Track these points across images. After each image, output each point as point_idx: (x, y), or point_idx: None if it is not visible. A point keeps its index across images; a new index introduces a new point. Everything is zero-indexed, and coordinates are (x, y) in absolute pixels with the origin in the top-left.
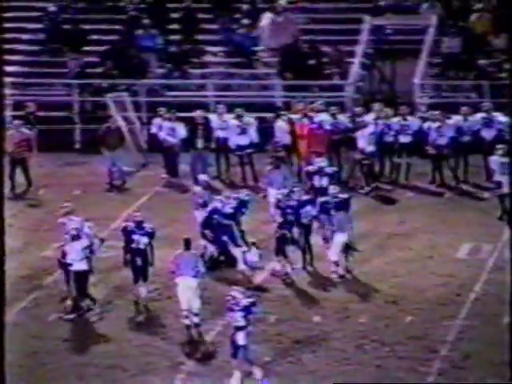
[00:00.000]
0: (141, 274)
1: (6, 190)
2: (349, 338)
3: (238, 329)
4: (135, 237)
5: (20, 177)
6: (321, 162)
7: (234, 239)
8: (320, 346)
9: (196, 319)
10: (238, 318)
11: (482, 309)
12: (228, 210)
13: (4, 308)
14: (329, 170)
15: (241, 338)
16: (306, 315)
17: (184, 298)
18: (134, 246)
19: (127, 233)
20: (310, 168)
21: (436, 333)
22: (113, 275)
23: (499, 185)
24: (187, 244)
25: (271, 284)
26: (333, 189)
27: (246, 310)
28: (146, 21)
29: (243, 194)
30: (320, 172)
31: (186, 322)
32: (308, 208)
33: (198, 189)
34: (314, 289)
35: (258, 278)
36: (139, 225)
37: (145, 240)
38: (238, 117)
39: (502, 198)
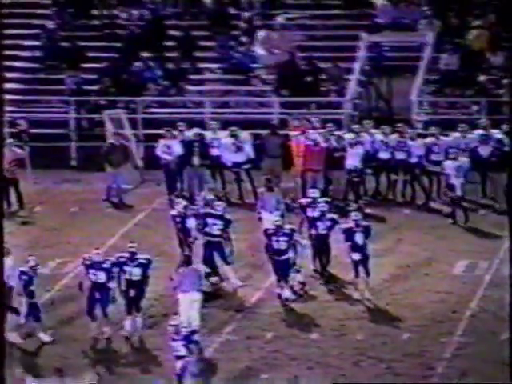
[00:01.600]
0: (134, 305)
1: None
2: (346, 355)
3: (178, 358)
4: (127, 268)
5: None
6: (313, 194)
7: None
8: (317, 363)
9: (196, 337)
10: (179, 348)
11: (478, 325)
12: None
13: (4, 309)
14: (321, 201)
15: (179, 367)
16: (303, 332)
17: (185, 315)
18: (127, 277)
19: (120, 264)
20: (303, 201)
21: (433, 350)
22: None
23: (453, 188)
24: (188, 260)
25: (267, 301)
26: (355, 215)
27: (187, 339)
28: (144, 54)
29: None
30: (313, 204)
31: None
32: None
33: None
34: (310, 306)
35: (255, 295)
36: (132, 256)
37: (137, 272)
38: (233, 135)
39: (456, 201)
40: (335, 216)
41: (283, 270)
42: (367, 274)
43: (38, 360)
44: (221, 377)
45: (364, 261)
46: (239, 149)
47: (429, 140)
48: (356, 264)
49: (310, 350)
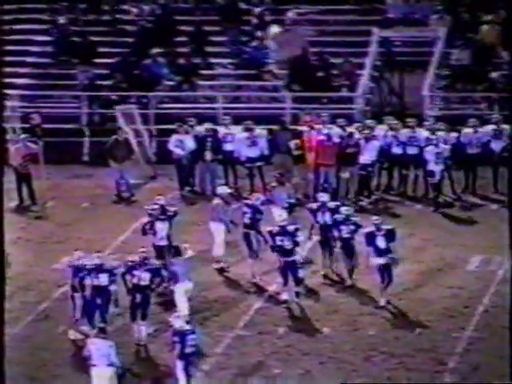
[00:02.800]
0: (139, 312)
1: (14, 204)
2: (358, 350)
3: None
4: (137, 272)
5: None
6: (322, 198)
7: None
8: (329, 358)
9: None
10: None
11: (490, 321)
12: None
13: (4, 308)
14: (331, 205)
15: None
16: (315, 327)
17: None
18: (135, 281)
19: (129, 268)
20: (314, 205)
21: (445, 345)
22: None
23: (432, 174)
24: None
25: (279, 296)
26: (376, 219)
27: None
28: (154, 50)
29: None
30: (323, 208)
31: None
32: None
33: (218, 201)
34: (322, 301)
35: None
36: (144, 260)
37: (146, 277)
38: (248, 129)
39: (435, 187)
40: (358, 220)
41: (292, 270)
42: (389, 279)
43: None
44: (233, 372)
45: (387, 266)
46: (254, 144)
47: (440, 134)
48: (379, 269)
49: (322, 345)
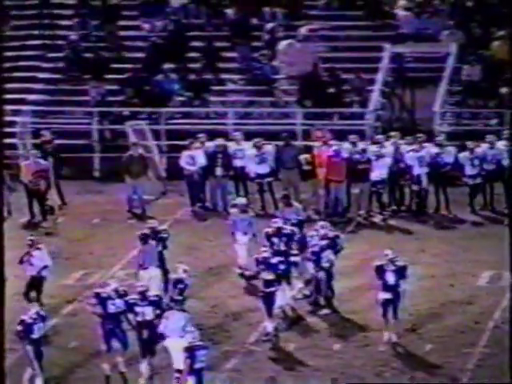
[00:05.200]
0: (148, 347)
1: (25, 219)
2: (369, 366)
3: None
4: (138, 309)
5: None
6: (276, 224)
7: None
8: (340, 373)
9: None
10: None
11: (501, 336)
12: None
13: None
14: (288, 230)
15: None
16: (326, 343)
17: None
18: (139, 319)
19: (130, 306)
20: (269, 230)
21: (456, 361)
22: None
23: (419, 178)
24: None
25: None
26: (390, 253)
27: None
28: (165, 66)
29: None
30: (278, 233)
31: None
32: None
33: (235, 211)
34: (333, 317)
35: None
36: (143, 294)
37: (149, 311)
38: (257, 147)
39: (421, 193)
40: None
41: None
42: (395, 316)
43: None
44: None
45: (394, 301)
46: (263, 160)
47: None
48: (384, 304)
49: (333, 361)
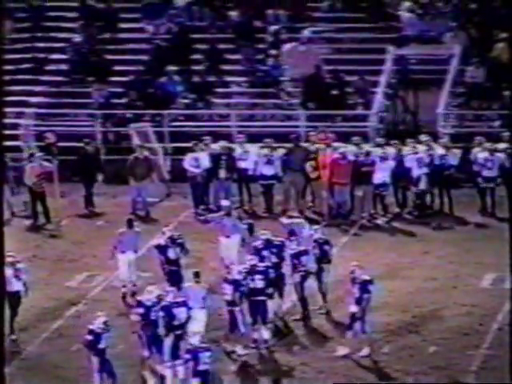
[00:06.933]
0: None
1: (29, 222)
2: (372, 368)
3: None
4: (175, 311)
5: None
6: (265, 235)
7: None
8: (343, 375)
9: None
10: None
11: (505, 338)
12: None
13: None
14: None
15: None
16: (330, 345)
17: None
18: (176, 323)
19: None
20: (259, 244)
21: (459, 363)
22: None
23: (418, 180)
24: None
25: (293, 313)
26: (354, 264)
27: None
28: (169, 68)
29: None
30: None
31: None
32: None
33: (219, 214)
34: (337, 319)
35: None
36: (159, 300)
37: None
38: (267, 147)
39: (420, 195)
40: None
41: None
42: (362, 330)
43: None
44: None
45: (357, 316)
46: (270, 162)
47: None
48: (351, 316)
49: (336, 363)
